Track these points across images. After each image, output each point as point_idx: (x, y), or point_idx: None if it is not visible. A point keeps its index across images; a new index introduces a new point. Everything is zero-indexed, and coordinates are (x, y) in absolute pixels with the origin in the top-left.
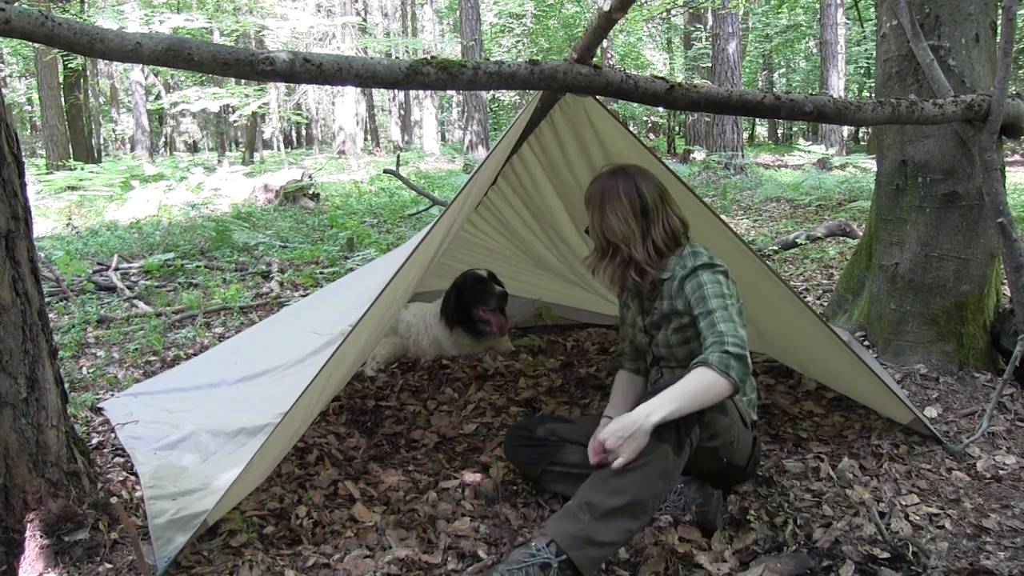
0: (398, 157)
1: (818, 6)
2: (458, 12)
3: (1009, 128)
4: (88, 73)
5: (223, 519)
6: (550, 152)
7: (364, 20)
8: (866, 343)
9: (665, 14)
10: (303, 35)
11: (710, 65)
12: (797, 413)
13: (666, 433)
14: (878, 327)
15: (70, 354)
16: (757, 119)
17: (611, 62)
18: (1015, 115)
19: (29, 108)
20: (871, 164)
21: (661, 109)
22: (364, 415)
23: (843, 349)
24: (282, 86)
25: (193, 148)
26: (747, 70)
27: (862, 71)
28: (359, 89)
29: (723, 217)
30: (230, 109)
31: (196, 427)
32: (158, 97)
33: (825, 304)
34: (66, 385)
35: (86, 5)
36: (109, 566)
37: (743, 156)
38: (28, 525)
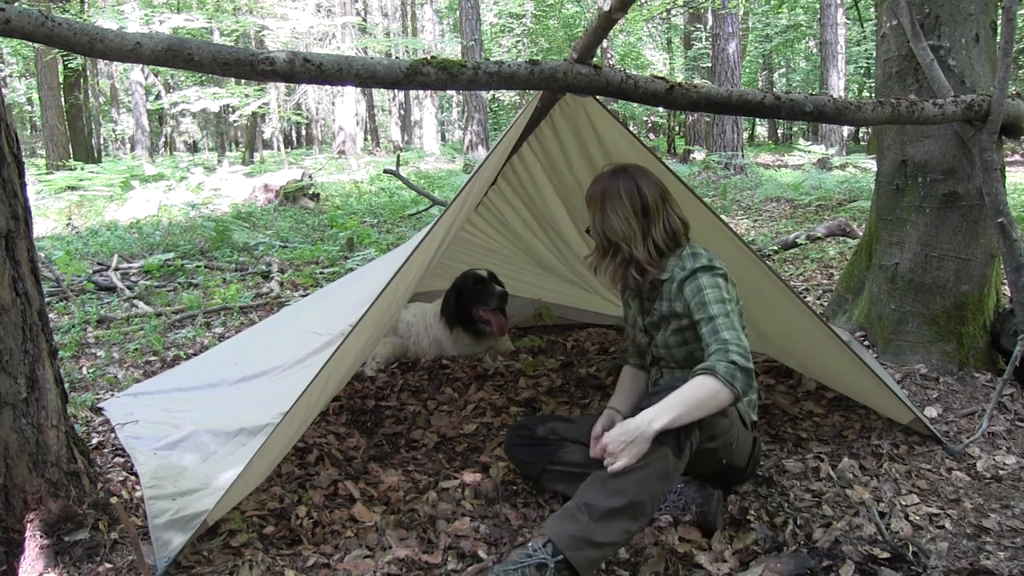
0: (398, 157)
1: (818, 6)
2: (458, 12)
3: (1009, 128)
4: (88, 73)
5: (223, 519)
6: (550, 152)
7: (364, 20)
8: (866, 343)
9: (665, 14)
10: (303, 35)
11: (710, 65)
12: (797, 413)
13: (666, 436)
14: (878, 327)
15: (70, 354)
16: (757, 119)
17: (611, 62)
18: (1015, 115)
19: (29, 108)
20: (871, 164)
21: (661, 109)
22: (364, 415)
23: (843, 349)
24: (282, 86)
25: (193, 148)
26: (747, 70)
27: (862, 71)
28: (359, 89)
29: (723, 217)
30: (230, 109)
31: (196, 427)
32: (158, 97)
33: (825, 304)
34: (66, 385)
35: (86, 5)
36: (109, 566)
37: (743, 156)
38: (28, 525)
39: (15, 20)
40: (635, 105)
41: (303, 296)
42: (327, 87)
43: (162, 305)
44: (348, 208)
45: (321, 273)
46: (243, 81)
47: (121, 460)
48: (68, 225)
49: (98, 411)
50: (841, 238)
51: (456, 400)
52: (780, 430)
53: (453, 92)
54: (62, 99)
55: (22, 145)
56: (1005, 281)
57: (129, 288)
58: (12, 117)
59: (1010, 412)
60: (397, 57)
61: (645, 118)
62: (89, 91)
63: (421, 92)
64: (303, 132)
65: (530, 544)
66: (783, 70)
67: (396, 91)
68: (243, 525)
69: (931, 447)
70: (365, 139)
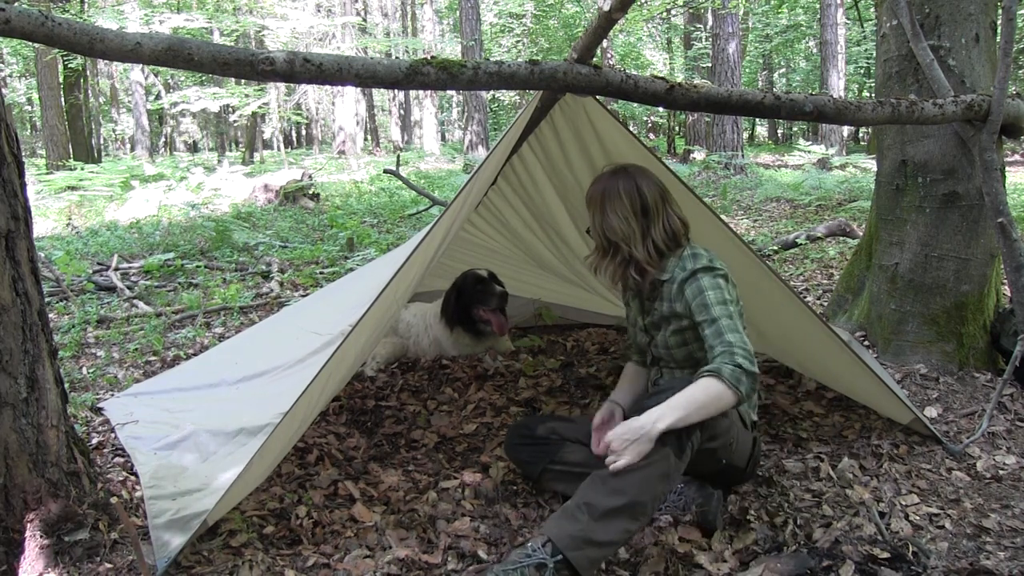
0: (398, 157)
1: (818, 6)
2: (458, 12)
3: (1009, 128)
4: (88, 73)
5: (223, 519)
6: (550, 152)
7: (364, 20)
8: (866, 343)
9: (665, 14)
10: (303, 35)
11: (710, 65)
12: (797, 413)
13: (668, 436)
14: (878, 327)
15: (70, 354)
16: (757, 119)
17: (611, 62)
18: (1015, 115)
19: (29, 108)
20: (871, 164)
21: (661, 109)
22: (364, 415)
23: (843, 349)
24: (282, 86)
25: (193, 148)
26: (747, 70)
27: (862, 71)
28: (359, 89)
29: (723, 217)
30: (230, 109)
31: (196, 427)
32: (158, 97)
33: (825, 304)
34: (66, 385)
35: (86, 5)
36: (109, 566)
37: (743, 156)
38: (28, 525)
39: (15, 20)
40: (635, 105)
41: (303, 296)
42: (327, 87)
43: (162, 305)
44: (348, 208)
45: (321, 273)
46: (243, 81)
47: (121, 460)
48: (68, 225)
49: (98, 411)
50: (841, 238)
51: (456, 400)
52: (780, 430)
53: (453, 92)
54: (62, 99)
55: (22, 145)
56: (1005, 281)
57: (129, 288)
58: (12, 117)
59: (1010, 412)
60: (397, 57)
61: (645, 118)
62: (89, 91)
63: (421, 92)
64: (303, 132)
65: (529, 544)
66: (783, 70)
67: (396, 91)
68: (243, 525)
69: (931, 447)
70: (365, 139)
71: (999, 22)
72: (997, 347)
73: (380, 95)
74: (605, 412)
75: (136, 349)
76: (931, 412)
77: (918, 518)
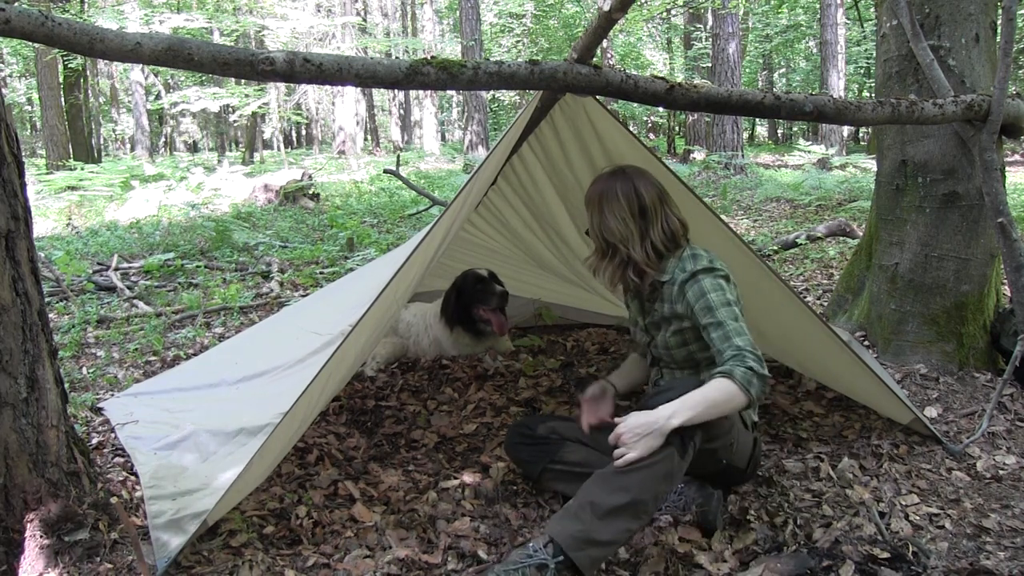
0: (398, 157)
1: (818, 6)
2: (458, 12)
3: (1009, 128)
4: (88, 73)
5: (223, 519)
6: (550, 152)
7: (364, 20)
8: (866, 343)
9: (665, 14)
10: (303, 35)
11: (710, 65)
12: (797, 413)
13: (672, 435)
14: (878, 327)
15: (70, 354)
16: (757, 119)
17: (611, 62)
18: (1015, 115)
19: (29, 108)
20: (871, 164)
21: (661, 109)
22: (364, 415)
23: (843, 349)
24: (282, 86)
25: (193, 148)
26: (747, 70)
27: (862, 71)
28: (359, 89)
29: (723, 217)
30: (230, 109)
31: (196, 427)
32: (158, 97)
33: (825, 304)
34: (66, 385)
35: (86, 5)
36: (109, 566)
37: (743, 156)
38: (28, 525)
39: (15, 20)
40: (635, 105)
41: (303, 296)
42: (327, 87)
43: (162, 305)
44: (348, 208)
45: (321, 273)
46: (243, 81)
47: (121, 460)
48: (68, 225)
49: (98, 411)
50: (841, 238)
51: (456, 400)
52: (780, 430)
53: (453, 92)
54: (62, 99)
55: (22, 145)
56: (1005, 281)
57: (129, 288)
58: (12, 117)
59: (1010, 412)
60: (397, 57)
61: (645, 118)
62: (89, 91)
63: (421, 92)
64: (303, 132)
65: (530, 544)
66: (783, 70)
67: (396, 91)
68: (243, 525)
69: (931, 447)
70: (365, 139)
71: (999, 22)
72: (997, 347)
73: (380, 95)
74: (597, 389)
75: (136, 349)
76: (931, 412)
77: (918, 518)
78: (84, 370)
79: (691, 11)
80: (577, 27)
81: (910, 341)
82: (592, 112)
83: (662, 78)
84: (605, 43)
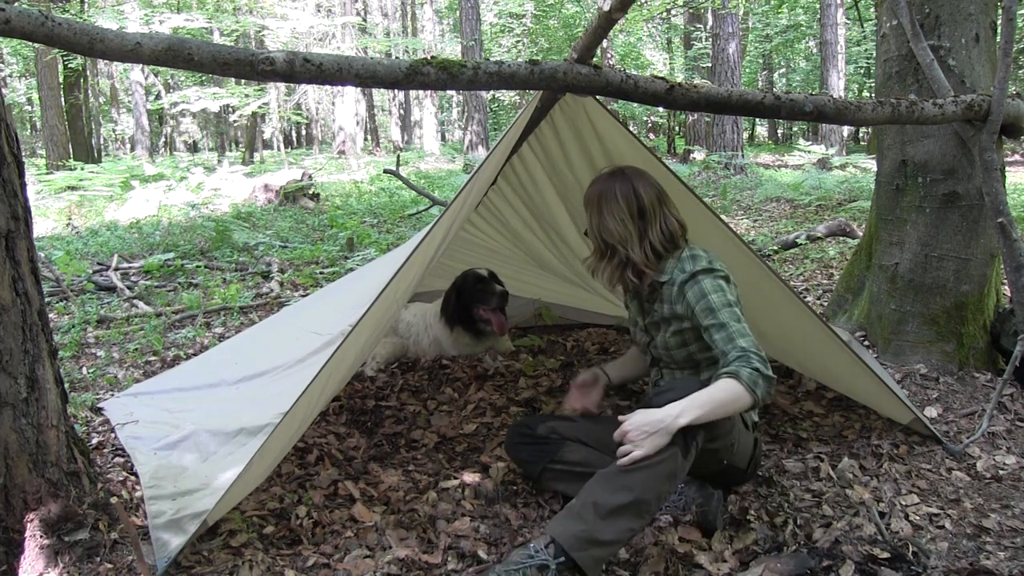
0: (398, 157)
1: (818, 6)
2: (458, 12)
3: (1009, 128)
4: (88, 73)
5: (223, 519)
6: (550, 152)
7: (364, 20)
8: (866, 343)
9: (665, 14)
10: (303, 35)
11: (710, 65)
12: (797, 413)
13: (676, 435)
14: (878, 327)
15: (70, 354)
16: (757, 119)
17: (611, 62)
18: (1015, 115)
19: (29, 108)
20: (871, 164)
21: (661, 109)
22: (364, 415)
23: (843, 349)
24: (282, 86)
25: (193, 148)
26: (747, 70)
27: (862, 71)
28: (359, 89)
29: (723, 217)
30: (230, 109)
31: (196, 427)
32: (158, 97)
33: (825, 304)
34: (66, 385)
35: (86, 5)
36: (109, 566)
37: (743, 156)
38: (28, 525)
39: (15, 20)
40: (635, 105)
41: (303, 296)
42: (327, 87)
43: (162, 305)
44: (348, 208)
45: (321, 273)
46: (243, 81)
47: (121, 460)
48: (68, 225)
49: (98, 411)
50: (841, 238)
51: (456, 400)
52: (780, 430)
53: (453, 92)
54: (62, 99)
55: (22, 145)
56: (1005, 281)
57: (129, 288)
58: (12, 117)
59: (1010, 412)
60: (397, 57)
61: (645, 118)
62: (89, 91)
63: (421, 92)
64: (303, 132)
65: (531, 545)
66: (783, 70)
67: (396, 91)
68: (243, 525)
69: (931, 447)
70: (365, 139)
71: (999, 22)
72: (997, 347)
73: (380, 95)
74: (589, 375)
75: (136, 349)
76: (931, 412)
77: (918, 518)
78: (84, 370)
79: (691, 11)
80: (577, 27)
81: (910, 341)
82: (592, 112)
83: (662, 78)
84: (605, 43)
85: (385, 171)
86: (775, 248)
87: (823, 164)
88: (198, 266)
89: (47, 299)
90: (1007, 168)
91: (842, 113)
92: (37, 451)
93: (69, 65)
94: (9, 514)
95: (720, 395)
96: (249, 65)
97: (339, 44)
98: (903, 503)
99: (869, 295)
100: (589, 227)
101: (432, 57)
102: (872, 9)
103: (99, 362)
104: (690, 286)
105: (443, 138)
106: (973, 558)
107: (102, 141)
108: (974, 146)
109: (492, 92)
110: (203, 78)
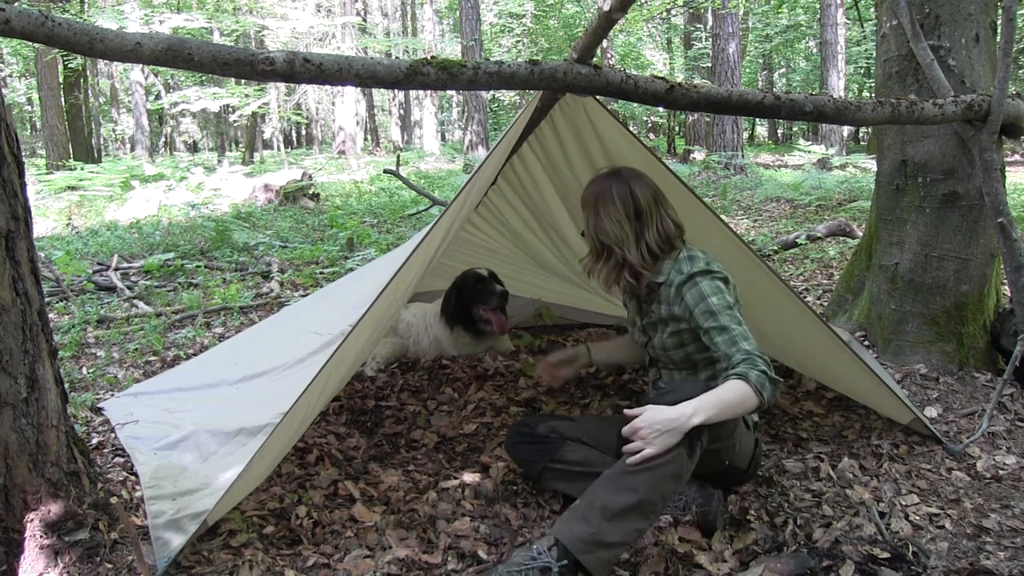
0: (398, 157)
1: (818, 6)
2: (458, 12)
3: (1009, 128)
4: (88, 73)
5: (223, 519)
6: (550, 152)
7: (364, 20)
8: (866, 343)
9: (665, 14)
10: (303, 35)
11: (710, 65)
12: (797, 413)
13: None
14: (878, 327)
15: (70, 354)
16: (757, 119)
17: (611, 62)
18: (1015, 115)
19: (29, 108)
20: (871, 164)
21: (661, 109)
22: (364, 415)
23: (843, 349)
24: (282, 86)
25: (193, 148)
26: (747, 70)
27: (862, 71)
28: (359, 89)
29: (723, 217)
30: (230, 109)
31: (196, 427)
32: (158, 97)
33: (825, 304)
34: (66, 385)
35: (86, 5)
36: (109, 566)
37: (743, 156)
38: (28, 525)
39: (15, 20)
40: (635, 105)
41: (303, 296)
42: (327, 87)
43: (162, 305)
44: (348, 208)
45: (321, 273)
46: (243, 81)
47: (121, 460)
48: (68, 225)
49: (98, 411)
50: (841, 238)
51: (456, 400)
52: (780, 430)
53: (453, 92)
54: (62, 99)
55: (22, 145)
56: (1005, 281)
57: (129, 288)
58: (12, 117)
59: (1010, 412)
60: (397, 57)
61: (645, 118)
62: (89, 91)
63: (421, 92)
64: (303, 132)
65: (534, 546)
66: (783, 70)
67: (396, 91)
68: (243, 525)
69: (931, 447)
70: (365, 139)
71: (999, 22)
72: (997, 347)
73: (380, 95)
74: (568, 354)
75: (136, 349)
76: (931, 412)
77: (918, 518)
78: (84, 370)
79: (691, 11)
80: (577, 27)
81: (910, 341)
82: (592, 112)
83: (662, 78)
84: (605, 43)
85: (385, 171)
86: (775, 248)
87: (823, 164)
88: (198, 266)
89: (47, 299)
90: (1007, 168)
91: (842, 113)
92: (37, 451)
93: (69, 65)
94: (9, 514)
95: (730, 396)
96: (249, 65)
97: (339, 44)
98: (903, 503)
99: (869, 295)
100: (586, 228)
101: (432, 57)
102: (872, 9)
103: (99, 362)
104: (688, 288)
105: (443, 138)
106: (973, 558)
107: (102, 141)
108: (974, 146)
109: (492, 92)
110: (203, 78)
